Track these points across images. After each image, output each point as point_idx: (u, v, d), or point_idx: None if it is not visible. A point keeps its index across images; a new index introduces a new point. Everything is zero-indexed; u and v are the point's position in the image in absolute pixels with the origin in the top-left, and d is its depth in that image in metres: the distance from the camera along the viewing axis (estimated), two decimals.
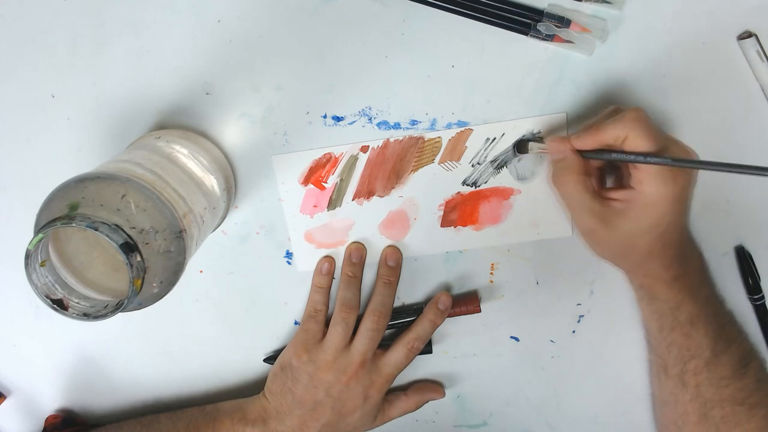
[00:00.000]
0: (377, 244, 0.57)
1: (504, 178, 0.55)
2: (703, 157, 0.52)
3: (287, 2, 0.51)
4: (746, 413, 0.50)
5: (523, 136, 0.53)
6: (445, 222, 0.56)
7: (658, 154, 0.45)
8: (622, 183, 0.51)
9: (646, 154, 0.45)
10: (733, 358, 0.50)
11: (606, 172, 0.52)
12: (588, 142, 0.47)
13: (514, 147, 0.53)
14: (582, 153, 0.48)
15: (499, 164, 0.54)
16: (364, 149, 0.54)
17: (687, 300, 0.49)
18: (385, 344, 0.57)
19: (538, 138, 0.53)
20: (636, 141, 0.45)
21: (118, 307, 0.41)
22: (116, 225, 0.39)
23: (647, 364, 0.58)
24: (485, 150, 0.54)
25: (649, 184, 0.45)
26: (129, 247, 0.39)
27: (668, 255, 0.48)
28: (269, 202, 0.56)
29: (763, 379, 0.51)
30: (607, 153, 0.47)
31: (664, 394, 0.54)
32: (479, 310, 0.58)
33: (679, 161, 0.45)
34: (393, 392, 0.60)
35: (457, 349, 0.60)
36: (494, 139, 0.53)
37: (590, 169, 0.49)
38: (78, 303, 0.42)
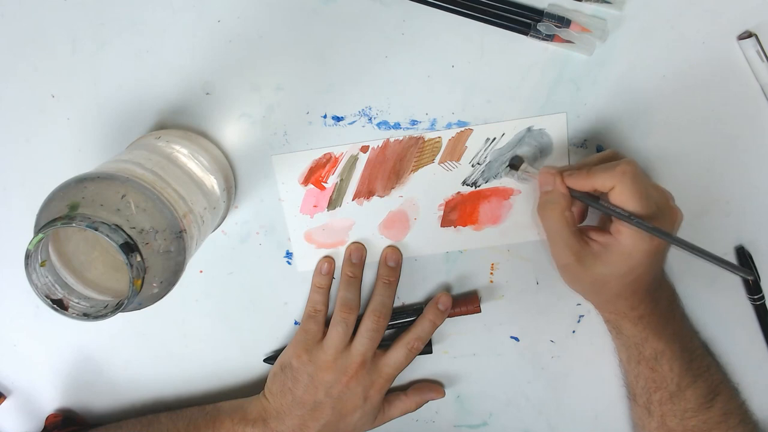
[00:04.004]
0: (377, 244, 0.57)
1: (504, 178, 0.55)
2: (703, 159, 0.52)
3: (287, 2, 0.51)
4: None
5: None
6: (445, 222, 0.56)
7: (639, 217, 0.45)
8: (601, 224, 0.51)
9: (629, 214, 0.46)
10: (699, 391, 0.51)
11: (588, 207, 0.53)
12: (577, 182, 0.48)
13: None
14: (570, 191, 0.49)
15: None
16: (364, 149, 0.54)
17: (651, 337, 0.51)
18: (385, 344, 0.57)
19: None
20: (621, 196, 0.46)
21: (118, 307, 0.41)
22: (116, 225, 0.39)
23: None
24: (485, 150, 0.54)
25: (627, 236, 0.46)
26: (129, 247, 0.39)
27: (636, 298, 0.49)
28: (269, 202, 0.56)
29: (730, 412, 0.52)
30: (593, 200, 0.48)
31: (635, 418, 0.56)
32: (479, 310, 0.58)
33: (656, 232, 0.45)
34: (393, 392, 0.60)
35: (457, 349, 0.60)
36: (494, 139, 0.53)
37: (575, 202, 0.50)
38: (78, 303, 0.42)
